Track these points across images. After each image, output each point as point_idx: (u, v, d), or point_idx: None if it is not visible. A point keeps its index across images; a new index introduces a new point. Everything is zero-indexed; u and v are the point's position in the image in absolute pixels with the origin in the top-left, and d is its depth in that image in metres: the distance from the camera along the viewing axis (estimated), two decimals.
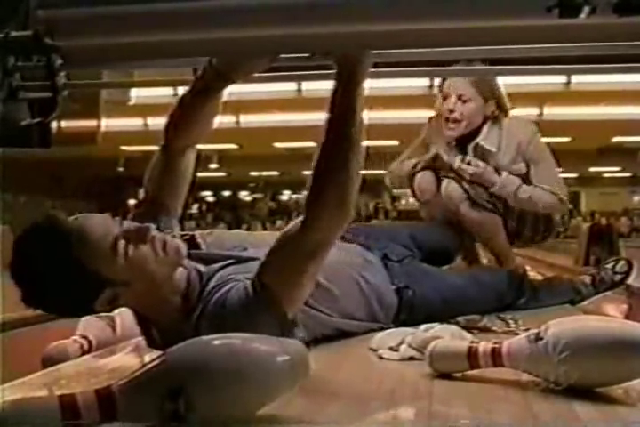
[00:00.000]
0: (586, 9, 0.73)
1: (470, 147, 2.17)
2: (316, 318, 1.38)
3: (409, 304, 1.63)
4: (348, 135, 1.15)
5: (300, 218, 1.19)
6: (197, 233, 1.51)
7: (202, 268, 1.30)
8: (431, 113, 2.39)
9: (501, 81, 2.22)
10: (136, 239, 1.14)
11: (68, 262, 1.08)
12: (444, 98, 2.14)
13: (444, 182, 2.19)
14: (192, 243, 1.44)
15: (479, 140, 2.16)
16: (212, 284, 1.25)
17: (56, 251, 1.09)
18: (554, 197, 2.13)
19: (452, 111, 2.12)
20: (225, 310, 1.19)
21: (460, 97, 2.11)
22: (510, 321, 1.63)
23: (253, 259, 1.34)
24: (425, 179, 2.25)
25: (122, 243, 1.12)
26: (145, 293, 1.17)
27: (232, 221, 16.30)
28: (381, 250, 1.73)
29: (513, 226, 2.19)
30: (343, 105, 1.14)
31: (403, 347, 1.29)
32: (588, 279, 2.06)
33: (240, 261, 1.35)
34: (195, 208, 17.46)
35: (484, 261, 2.35)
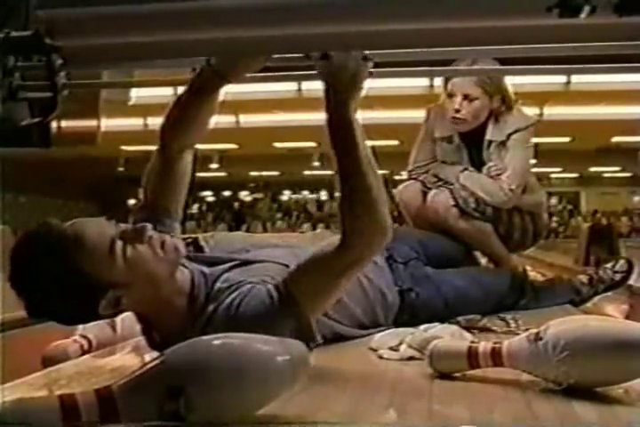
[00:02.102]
0: (586, 9, 0.73)
1: (484, 146, 2.17)
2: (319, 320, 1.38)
3: (411, 306, 1.63)
4: (356, 162, 1.15)
5: (338, 237, 1.19)
6: (200, 236, 1.51)
7: (206, 269, 1.29)
8: None
9: None
10: (133, 240, 1.13)
11: (66, 269, 1.08)
12: (450, 96, 2.13)
13: (431, 193, 2.17)
14: (195, 246, 1.44)
15: (489, 137, 2.16)
16: (219, 285, 1.24)
17: (53, 258, 1.08)
18: (496, 184, 2.11)
19: (458, 111, 2.11)
20: (243, 312, 1.17)
21: (466, 96, 2.10)
22: (510, 321, 1.63)
23: (258, 261, 1.34)
24: (408, 191, 2.24)
25: (119, 244, 1.12)
26: (147, 294, 1.16)
27: (232, 221, 16.29)
28: (387, 251, 1.73)
29: (502, 232, 2.18)
30: (342, 136, 1.15)
31: (403, 347, 1.29)
32: (586, 279, 2.06)
33: (245, 263, 1.34)
34: (195, 208, 17.45)
35: (482, 261, 2.34)
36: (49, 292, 1.09)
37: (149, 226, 1.17)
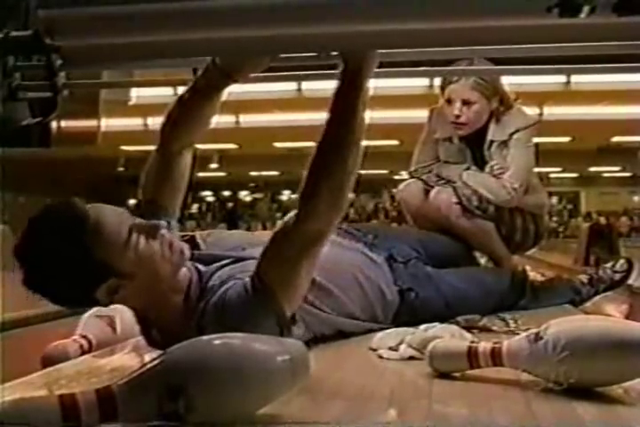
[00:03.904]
0: (586, 9, 0.73)
1: (485, 146, 2.17)
2: (315, 315, 1.39)
3: (411, 306, 1.63)
4: (348, 132, 1.16)
5: (294, 212, 1.20)
6: (197, 234, 1.52)
7: (201, 268, 1.31)
8: None
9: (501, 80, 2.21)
10: (148, 234, 1.16)
11: (77, 248, 1.09)
12: (448, 102, 2.13)
13: (434, 191, 2.16)
14: (192, 243, 1.45)
15: (490, 137, 2.16)
16: (210, 283, 1.26)
17: (68, 236, 1.09)
18: (499, 183, 2.11)
19: (458, 116, 2.12)
20: (225, 307, 1.20)
21: (464, 102, 2.10)
22: (510, 321, 1.63)
23: (251, 258, 1.34)
24: (409, 189, 2.23)
25: (135, 235, 1.14)
26: (147, 288, 1.18)
27: (231, 221, 16.29)
28: (388, 250, 1.73)
29: (503, 232, 2.17)
30: (346, 102, 1.15)
31: (402, 347, 1.29)
32: (586, 279, 2.06)
33: (238, 260, 1.36)
34: (195, 208, 17.45)
35: (482, 261, 2.34)
36: (52, 268, 1.10)
37: (164, 224, 1.20)
